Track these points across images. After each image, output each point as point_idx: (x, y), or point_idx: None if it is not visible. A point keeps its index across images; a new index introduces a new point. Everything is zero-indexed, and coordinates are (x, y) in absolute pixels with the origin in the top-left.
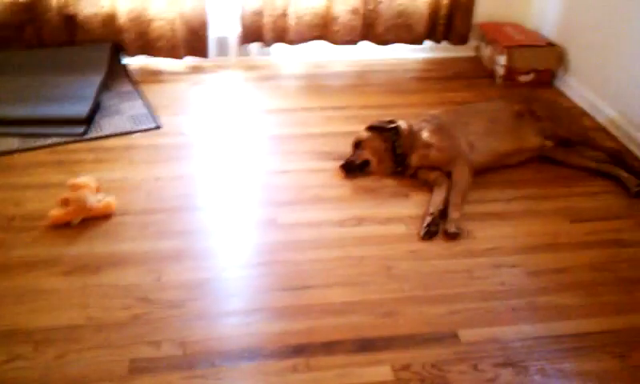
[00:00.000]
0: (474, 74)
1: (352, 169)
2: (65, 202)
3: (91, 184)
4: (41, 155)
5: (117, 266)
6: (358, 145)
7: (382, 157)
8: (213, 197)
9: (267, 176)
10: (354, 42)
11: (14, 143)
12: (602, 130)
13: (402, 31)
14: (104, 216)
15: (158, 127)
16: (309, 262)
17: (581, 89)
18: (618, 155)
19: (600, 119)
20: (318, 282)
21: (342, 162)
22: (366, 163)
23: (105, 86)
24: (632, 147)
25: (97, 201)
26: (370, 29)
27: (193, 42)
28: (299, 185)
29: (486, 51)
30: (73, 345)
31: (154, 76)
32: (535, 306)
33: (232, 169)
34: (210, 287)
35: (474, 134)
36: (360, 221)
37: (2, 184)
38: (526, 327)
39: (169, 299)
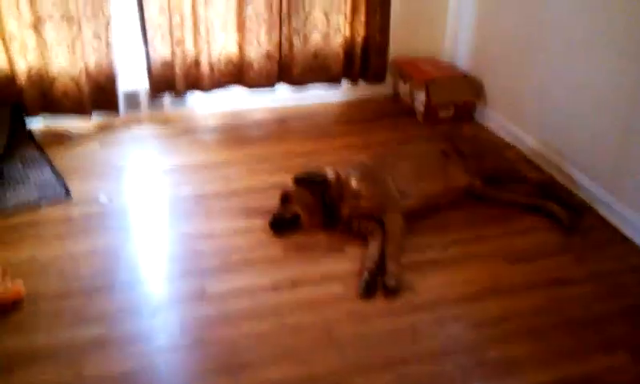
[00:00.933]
0: (395, 112)
1: (282, 225)
2: None
3: None
4: None
5: (31, 363)
6: (285, 199)
7: (313, 210)
8: (133, 271)
9: (191, 241)
10: (270, 84)
11: None
12: (527, 160)
13: (318, 72)
14: (12, 305)
15: (68, 196)
16: (243, 336)
17: (501, 120)
18: (548, 187)
19: (524, 149)
20: (255, 358)
21: (270, 219)
22: (296, 218)
23: (6, 153)
24: (557, 175)
25: (4, 289)
26: (286, 71)
27: (101, 97)
28: (226, 248)
29: (405, 88)
30: None
31: (62, 138)
32: (484, 361)
33: (152, 237)
34: (138, 378)
35: (403, 178)
36: (295, 283)
37: None
38: None
39: None
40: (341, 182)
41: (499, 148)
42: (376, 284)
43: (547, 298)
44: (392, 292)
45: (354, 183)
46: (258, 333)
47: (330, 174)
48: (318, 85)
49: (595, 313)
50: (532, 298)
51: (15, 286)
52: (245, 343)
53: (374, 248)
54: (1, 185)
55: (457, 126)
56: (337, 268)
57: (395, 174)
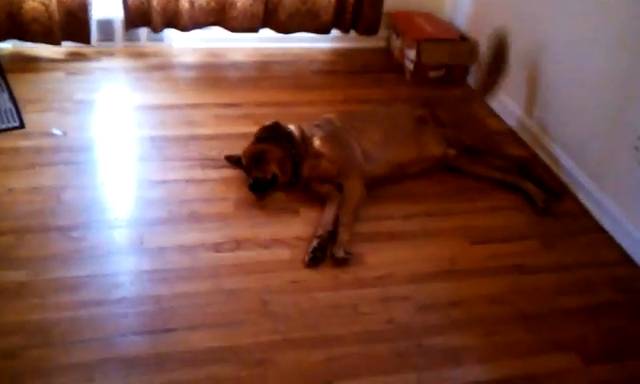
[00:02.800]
0: (383, 67)
1: (264, 187)
2: None
3: None
4: None
5: None
6: (258, 159)
7: (285, 168)
8: (73, 213)
9: (140, 188)
10: (254, 29)
11: None
12: (512, 133)
13: (306, 19)
14: None
15: (21, 126)
16: (175, 296)
17: None
18: (526, 165)
19: (510, 121)
20: (183, 322)
21: (250, 182)
22: (275, 178)
23: None
24: (541, 154)
25: None
26: (272, 15)
27: (72, 25)
28: (175, 199)
29: (397, 43)
30: None
31: (28, 65)
32: (424, 349)
33: (100, 179)
34: (54, 331)
35: (371, 142)
36: (239, 244)
37: None
38: (412, 376)
39: (3, 347)
40: (305, 139)
41: (481, 119)
42: (325, 253)
43: (505, 286)
44: (339, 263)
45: (316, 143)
46: (190, 294)
47: (295, 129)
48: (305, 33)
49: (554, 308)
50: (488, 284)
51: None
52: (175, 304)
53: (328, 214)
54: None
55: (446, 88)
56: (287, 231)
57: (363, 137)
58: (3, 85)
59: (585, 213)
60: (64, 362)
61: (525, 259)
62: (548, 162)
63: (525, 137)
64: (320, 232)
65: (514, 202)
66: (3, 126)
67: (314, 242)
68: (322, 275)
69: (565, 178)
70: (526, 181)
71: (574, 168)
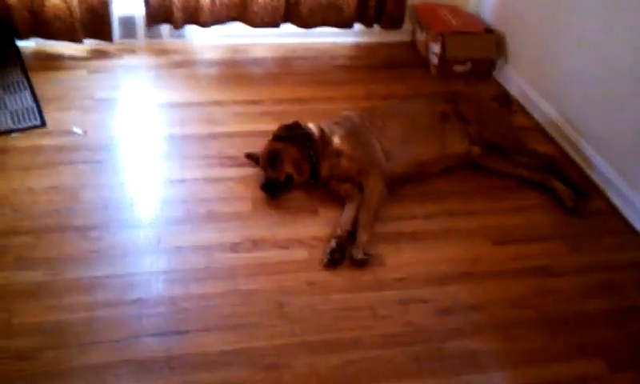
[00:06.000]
0: (407, 62)
1: (277, 188)
2: None
3: None
4: None
5: None
6: (273, 158)
7: (302, 168)
8: (91, 213)
9: (159, 186)
10: (275, 24)
11: None
12: (538, 129)
13: (328, 13)
14: None
15: (42, 125)
16: (191, 298)
17: (520, 82)
18: (553, 163)
19: (539, 117)
20: (197, 324)
21: (263, 182)
22: (290, 179)
23: None
24: (571, 152)
25: None
26: (294, 10)
27: (93, 22)
28: (193, 198)
29: (421, 37)
30: None
31: (50, 61)
32: (443, 353)
33: (120, 177)
34: (70, 332)
35: (392, 140)
36: (256, 244)
37: None
38: (430, 381)
39: (18, 348)
40: (324, 137)
41: (507, 115)
42: (343, 254)
43: (528, 289)
44: (358, 265)
45: (336, 141)
46: (206, 295)
47: (314, 128)
48: (327, 27)
49: (578, 312)
50: (511, 287)
51: None
52: (189, 306)
53: (348, 214)
54: None
55: (471, 83)
56: (306, 231)
57: (384, 134)
58: (25, 83)
59: (614, 212)
60: (79, 363)
61: (550, 261)
62: (576, 158)
63: (552, 133)
64: (339, 232)
65: (541, 201)
66: (24, 125)
67: (333, 243)
68: (340, 277)
69: (594, 176)
70: (554, 179)
71: (604, 165)
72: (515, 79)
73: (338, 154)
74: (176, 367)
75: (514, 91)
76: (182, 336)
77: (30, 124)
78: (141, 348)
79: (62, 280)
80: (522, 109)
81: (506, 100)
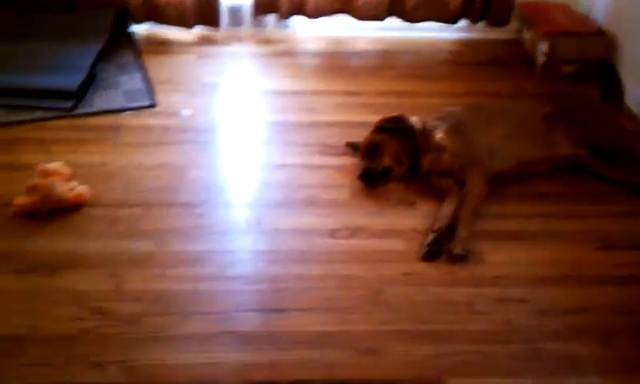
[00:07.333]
0: (513, 60)
1: (374, 178)
2: (32, 189)
3: (63, 171)
4: (21, 131)
5: (75, 267)
6: (372, 149)
7: (401, 160)
8: (196, 191)
9: (260, 170)
10: (379, 17)
11: None
12: None
13: (434, 8)
14: (74, 207)
15: (152, 105)
16: (289, 278)
17: (632, 86)
18: None
19: None
20: (295, 304)
21: (360, 172)
22: (387, 170)
23: (103, 56)
24: None
25: (68, 189)
26: (399, 4)
27: (203, 9)
28: (293, 183)
29: (528, 35)
30: (10, 359)
31: (161, 46)
32: (541, 354)
33: (223, 159)
34: (174, 301)
35: (496, 138)
36: (354, 232)
37: None
38: (527, 380)
39: (124, 312)
40: (426, 132)
41: (618, 118)
42: (441, 248)
43: (631, 297)
44: (456, 260)
45: (439, 135)
46: (304, 277)
47: (416, 122)
48: (431, 23)
49: None
50: (613, 293)
51: (79, 190)
52: (288, 286)
53: (447, 208)
54: (92, 87)
55: (580, 85)
56: (404, 223)
57: (488, 132)
58: (138, 65)
59: None
60: (181, 331)
61: None
62: None
63: None
64: (437, 226)
65: None
66: (136, 105)
67: (431, 236)
68: (437, 270)
69: None
70: None
71: None
72: (625, 82)
73: (440, 148)
74: (275, 342)
75: (625, 95)
76: (280, 314)
77: (140, 104)
78: (242, 321)
79: (167, 252)
80: (632, 113)
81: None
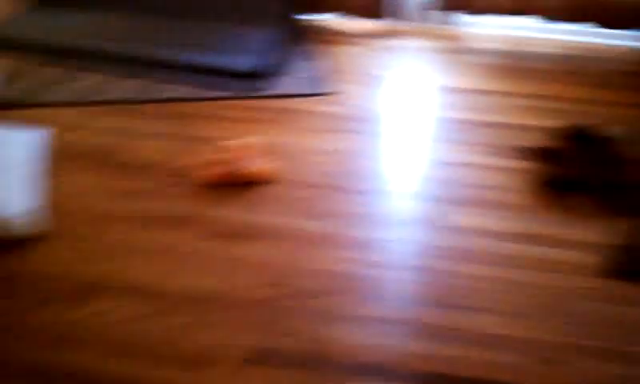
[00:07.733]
0: None
1: (564, 187)
2: (222, 162)
3: (251, 146)
4: (206, 107)
5: (252, 240)
6: (562, 156)
7: (593, 172)
8: (362, 179)
9: (431, 166)
10: (571, 20)
11: (180, 91)
12: None
13: (635, 14)
14: (257, 183)
15: (326, 94)
16: (470, 277)
17: None
18: None
19: None
20: (474, 303)
21: (549, 179)
22: (576, 180)
23: (283, 42)
24: None
25: (256, 166)
26: (596, 8)
27: (388, 2)
28: (480, 183)
29: None
30: (198, 315)
31: (340, 36)
32: None
33: (392, 150)
34: (352, 284)
35: None
36: (532, 238)
37: (162, 133)
38: None
39: (303, 287)
40: (631, 144)
41: None
42: (634, 269)
43: None
44: None
45: None
46: (485, 277)
47: (617, 132)
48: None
49: None
50: None
51: (265, 168)
52: (467, 284)
53: None
54: (273, 72)
55: None
56: (589, 236)
57: None
58: (316, 54)
59: None
60: (358, 313)
61: None
62: None
63: None
64: (633, 244)
65: None
66: (313, 91)
67: (625, 254)
68: (632, 290)
69: None
70: None
71: None
72: None
73: None
74: (453, 339)
75: None
76: (457, 310)
77: (317, 91)
78: (417, 313)
79: (341, 234)
80: None
81: None
